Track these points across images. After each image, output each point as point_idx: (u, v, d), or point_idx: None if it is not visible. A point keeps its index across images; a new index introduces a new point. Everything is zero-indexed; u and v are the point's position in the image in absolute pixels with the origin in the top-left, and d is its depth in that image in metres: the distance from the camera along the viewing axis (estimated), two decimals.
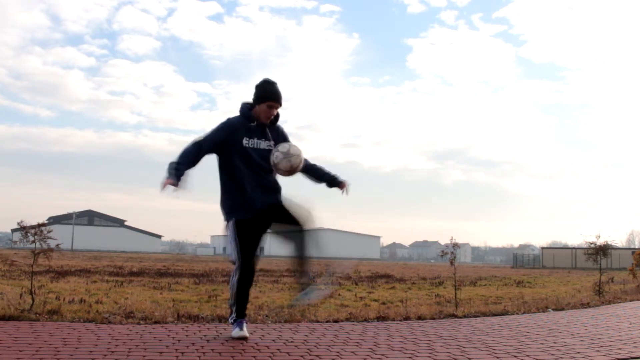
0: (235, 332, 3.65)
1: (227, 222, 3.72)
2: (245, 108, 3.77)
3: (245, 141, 3.69)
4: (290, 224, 3.71)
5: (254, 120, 3.73)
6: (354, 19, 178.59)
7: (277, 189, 3.82)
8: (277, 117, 3.84)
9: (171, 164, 3.54)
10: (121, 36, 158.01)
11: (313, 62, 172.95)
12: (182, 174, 3.51)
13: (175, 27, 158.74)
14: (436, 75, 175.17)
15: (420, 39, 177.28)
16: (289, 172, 3.67)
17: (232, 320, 3.75)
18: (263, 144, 3.74)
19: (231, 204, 3.71)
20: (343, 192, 3.98)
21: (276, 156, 3.63)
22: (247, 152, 3.68)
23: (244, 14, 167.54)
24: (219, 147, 3.70)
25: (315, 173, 3.98)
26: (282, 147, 3.66)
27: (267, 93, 3.71)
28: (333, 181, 3.98)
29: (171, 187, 3.44)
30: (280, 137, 3.86)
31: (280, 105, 3.76)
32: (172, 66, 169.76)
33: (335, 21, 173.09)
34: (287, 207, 3.76)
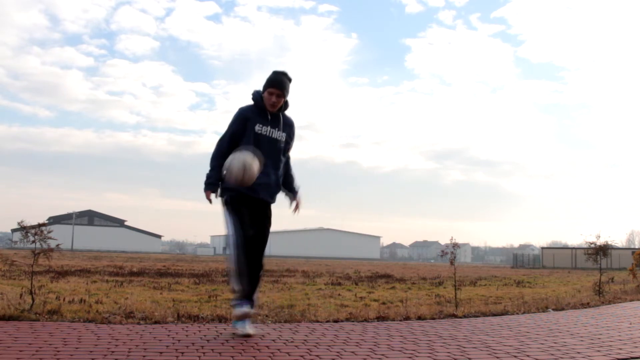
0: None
1: (224, 199, 3.79)
2: (256, 94, 3.84)
3: (258, 127, 3.76)
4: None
5: (263, 107, 3.80)
6: (352, 19, 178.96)
7: (277, 185, 3.89)
8: (286, 106, 3.90)
9: (206, 175, 3.77)
10: (119, 36, 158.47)
11: (311, 62, 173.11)
12: (215, 182, 3.75)
13: (174, 27, 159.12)
14: (435, 75, 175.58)
15: (418, 38, 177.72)
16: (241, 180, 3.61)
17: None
18: (275, 133, 3.82)
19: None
20: (291, 205, 4.03)
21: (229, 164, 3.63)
22: (258, 138, 3.75)
23: (242, 14, 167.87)
24: (237, 139, 3.79)
25: (285, 181, 4.02)
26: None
27: (269, 80, 3.81)
28: (290, 191, 4.03)
29: (213, 197, 3.73)
30: (290, 129, 3.93)
31: (281, 92, 3.79)
32: (171, 66, 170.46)
33: (334, 21, 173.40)
34: (265, 227, 3.83)
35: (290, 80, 3.88)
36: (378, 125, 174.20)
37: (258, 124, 3.76)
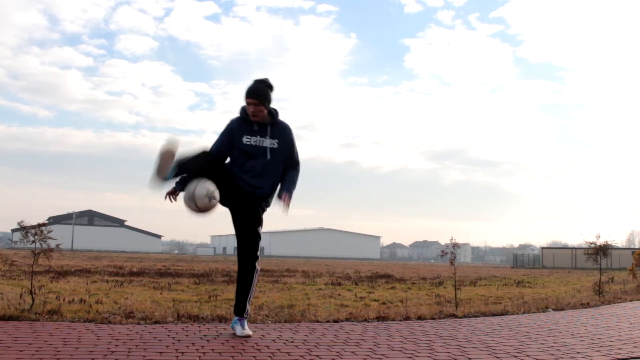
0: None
1: None
2: (242, 108, 3.84)
3: (246, 139, 3.76)
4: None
5: (249, 118, 3.78)
6: (351, 19, 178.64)
7: (267, 187, 3.79)
8: (274, 114, 3.85)
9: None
10: (119, 36, 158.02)
11: (310, 62, 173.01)
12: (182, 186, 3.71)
13: (173, 27, 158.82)
14: (434, 75, 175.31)
15: (417, 38, 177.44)
16: (198, 212, 3.58)
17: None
18: (266, 142, 3.79)
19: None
20: (281, 201, 3.82)
21: (183, 196, 3.60)
22: (248, 149, 3.75)
23: (241, 14, 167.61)
24: (223, 151, 3.81)
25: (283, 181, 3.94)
26: (189, 187, 3.57)
27: (245, 91, 3.76)
28: (282, 187, 3.90)
29: (171, 197, 3.73)
30: (283, 135, 3.86)
31: (256, 100, 3.70)
32: (170, 66, 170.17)
33: (333, 21, 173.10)
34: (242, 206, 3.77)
35: (269, 87, 3.78)
36: (377, 125, 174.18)
37: (246, 136, 3.74)
